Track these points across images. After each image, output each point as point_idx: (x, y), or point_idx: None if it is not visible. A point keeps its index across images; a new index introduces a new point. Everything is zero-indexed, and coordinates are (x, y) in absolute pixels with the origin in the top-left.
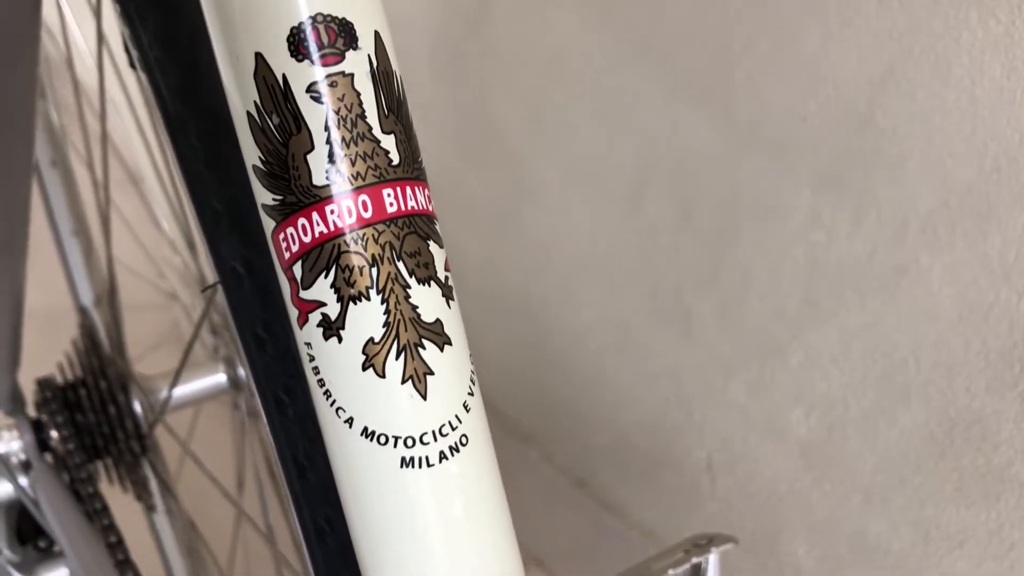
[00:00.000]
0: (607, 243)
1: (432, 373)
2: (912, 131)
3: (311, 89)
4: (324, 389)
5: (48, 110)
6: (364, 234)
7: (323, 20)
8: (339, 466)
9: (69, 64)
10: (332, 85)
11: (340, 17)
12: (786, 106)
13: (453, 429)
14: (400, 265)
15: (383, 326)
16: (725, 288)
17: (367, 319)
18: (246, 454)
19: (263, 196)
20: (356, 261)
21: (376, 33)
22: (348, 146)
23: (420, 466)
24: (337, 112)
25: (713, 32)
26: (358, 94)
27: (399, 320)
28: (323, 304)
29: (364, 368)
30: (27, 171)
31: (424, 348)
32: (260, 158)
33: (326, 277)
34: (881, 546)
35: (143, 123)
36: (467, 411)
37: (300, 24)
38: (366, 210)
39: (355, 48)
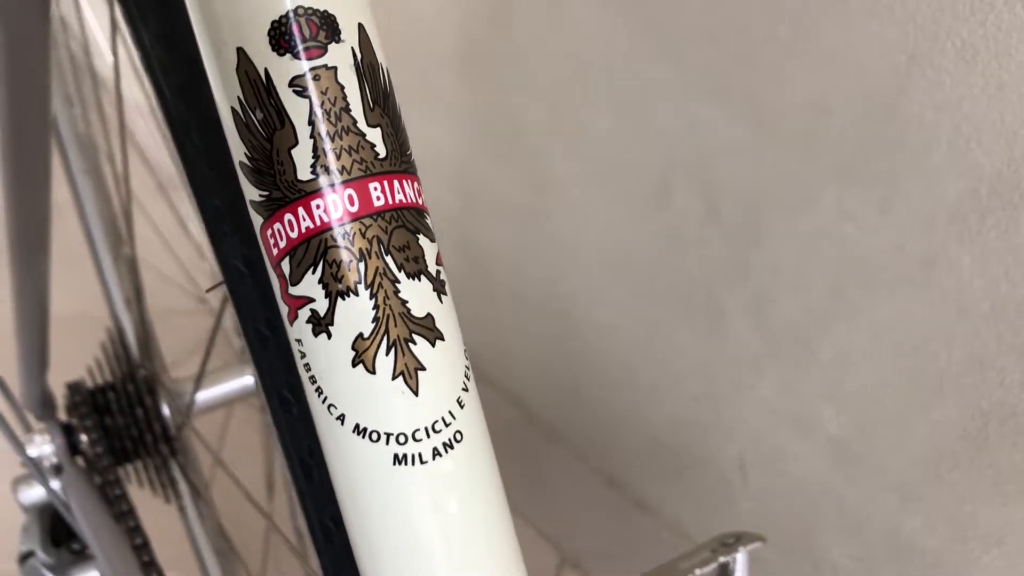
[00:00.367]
0: (633, 240)
1: (424, 368)
2: (938, 119)
3: (294, 83)
4: (316, 386)
5: (78, 119)
6: (351, 228)
7: (304, 13)
8: (333, 464)
9: (116, 77)
10: (315, 79)
11: (322, 10)
12: (809, 97)
13: (447, 425)
14: (388, 259)
15: (372, 321)
16: (753, 283)
17: (356, 314)
18: (275, 457)
19: (250, 192)
20: (343, 256)
21: (360, 25)
22: (333, 140)
23: (413, 463)
24: (321, 106)
25: (733, 24)
26: (342, 87)
27: (388, 315)
28: (312, 300)
29: (354, 364)
30: (46, 179)
31: (415, 343)
32: (246, 154)
33: (314, 273)
34: (917, 544)
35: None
36: (461, 407)
37: (281, 17)
38: (352, 204)
39: (338, 41)
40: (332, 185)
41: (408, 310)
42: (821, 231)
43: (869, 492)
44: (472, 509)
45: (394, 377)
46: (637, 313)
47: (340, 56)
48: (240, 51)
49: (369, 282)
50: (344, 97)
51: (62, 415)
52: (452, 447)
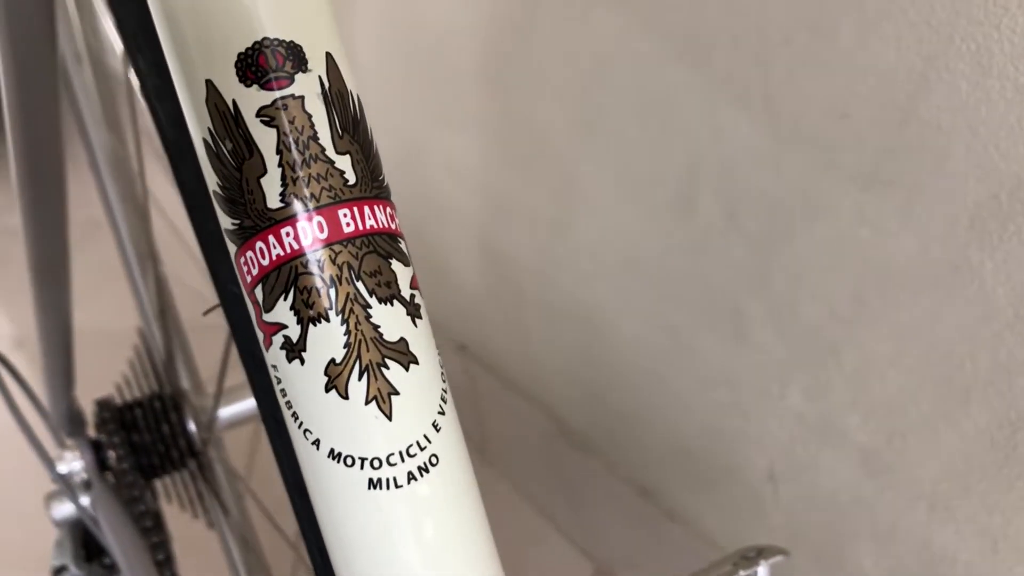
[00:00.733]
0: (657, 247)
1: (397, 393)
2: (956, 123)
3: (261, 113)
4: (292, 411)
5: (115, 143)
6: (321, 255)
7: (271, 44)
8: (312, 488)
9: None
10: (282, 108)
11: (288, 40)
12: (827, 102)
13: (422, 449)
14: (360, 285)
15: (344, 347)
16: (777, 290)
17: (327, 340)
18: None
19: (224, 221)
20: (314, 282)
21: (328, 55)
22: (301, 168)
23: (388, 487)
24: (288, 135)
25: (750, 29)
26: (309, 116)
27: (360, 340)
28: (284, 326)
29: (327, 390)
30: (62, 203)
31: (387, 368)
32: (218, 183)
33: (285, 299)
34: (948, 556)
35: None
36: (437, 431)
37: (248, 49)
38: (322, 231)
39: (304, 70)
40: (301, 213)
41: (380, 335)
42: (842, 237)
43: (899, 502)
44: (449, 532)
45: (367, 402)
46: (663, 321)
47: (307, 85)
48: (209, 83)
49: (340, 308)
50: (312, 126)
51: (92, 432)
52: (427, 471)
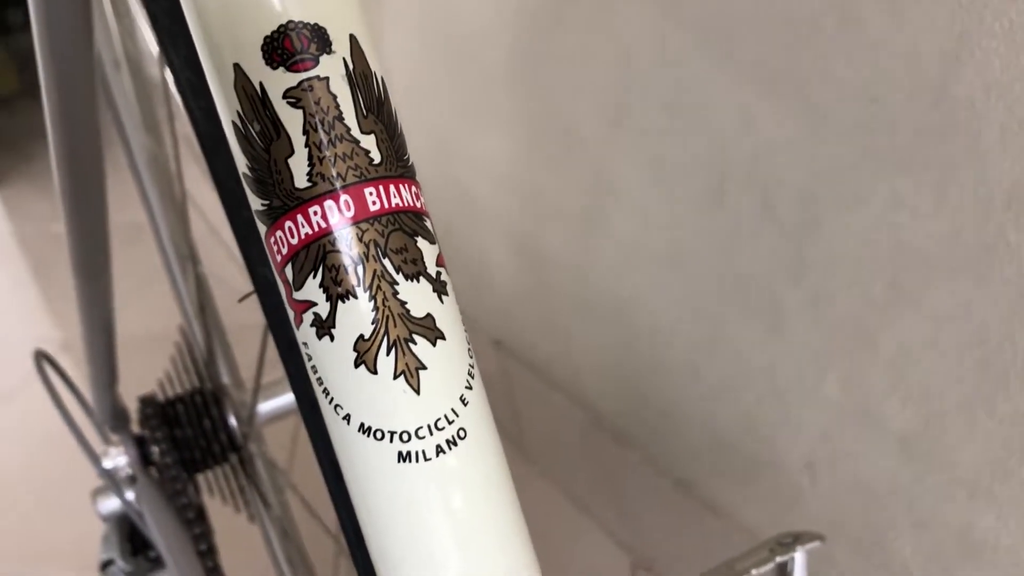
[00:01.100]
0: (690, 239)
1: (424, 368)
2: (989, 102)
3: (287, 95)
4: (323, 388)
5: (154, 146)
6: (348, 233)
7: (295, 27)
8: (343, 463)
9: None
10: (308, 89)
11: (312, 23)
12: (857, 86)
13: (450, 423)
14: (386, 262)
15: (372, 323)
16: (811, 278)
17: (356, 316)
18: None
19: (254, 202)
20: (342, 260)
21: (352, 36)
22: (327, 148)
23: (417, 460)
24: (314, 116)
25: (777, 15)
26: (334, 97)
27: (388, 316)
28: (314, 304)
29: (356, 365)
30: (102, 204)
31: (415, 343)
32: (247, 165)
33: (315, 277)
34: (989, 542)
35: None
36: (465, 405)
37: (273, 33)
38: (348, 209)
39: (329, 52)
40: (328, 192)
41: (407, 311)
42: (877, 222)
43: (939, 488)
44: (478, 505)
45: (395, 376)
46: (698, 313)
47: (332, 67)
48: (237, 67)
49: (368, 284)
50: (337, 106)
51: (136, 428)
52: (456, 444)
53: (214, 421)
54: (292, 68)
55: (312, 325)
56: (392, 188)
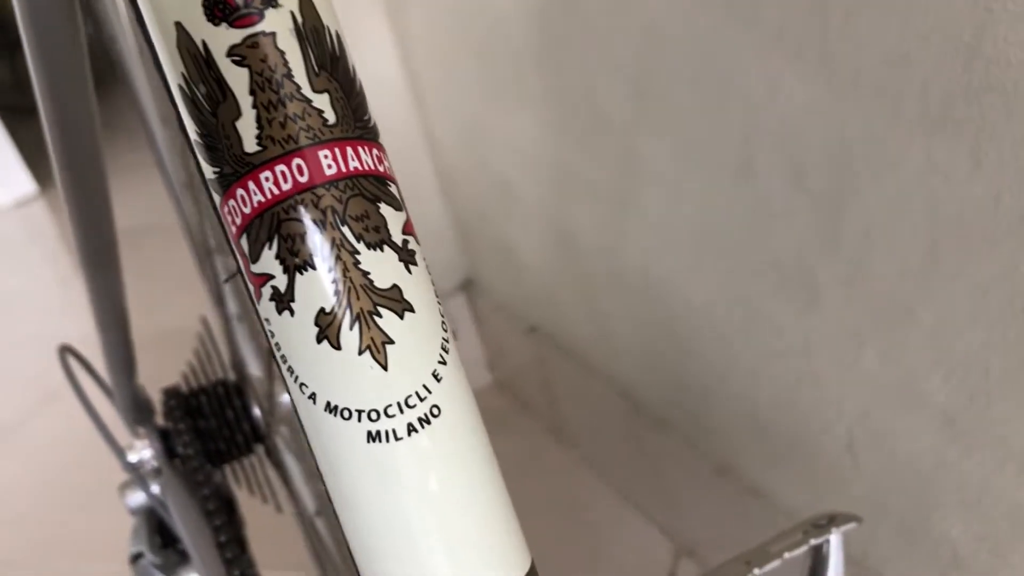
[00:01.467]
0: (722, 215)
1: (392, 342)
2: None
3: (232, 53)
4: (287, 366)
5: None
6: (302, 199)
7: None
8: (313, 444)
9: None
10: (252, 46)
11: None
12: (886, 47)
13: (421, 400)
14: (345, 230)
15: (333, 295)
16: (846, 251)
17: (316, 289)
18: None
19: (207, 171)
20: (297, 228)
21: None
22: (276, 109)
23: (388, 440)
24: (261, 74)
25: None
26: (282, 53)
27: (350, 288)
28: (272, 277)
29: (319, 340)
30: (105, 199)
31: (380, 316)
32: (196, 131)
33: (270, 248)
34: None
35: None
36: (438, 380)
37: None
38: (301, 174)
39: (274, 6)
40: (280, 155)
41: (371, 282)
42: (911, 188)
43: (986, 464)
44: (456, 488)
45: (361, 352)
46: (732, 291)
47: (278, 21)
48: (178, 25)
49: (326, 254)
50: (285, 63)
51: (160, 420)
52: (428, 422)
53: (236, 411)
54: (236, 24)
55: (271, 299)
56: (350, 150)
